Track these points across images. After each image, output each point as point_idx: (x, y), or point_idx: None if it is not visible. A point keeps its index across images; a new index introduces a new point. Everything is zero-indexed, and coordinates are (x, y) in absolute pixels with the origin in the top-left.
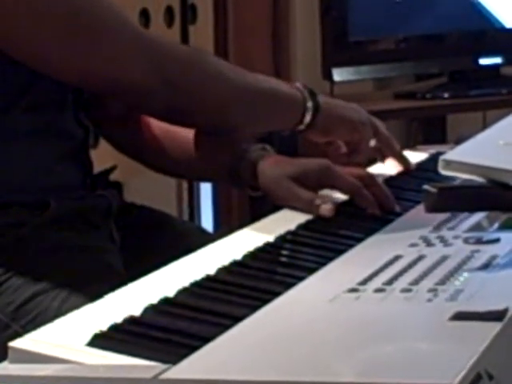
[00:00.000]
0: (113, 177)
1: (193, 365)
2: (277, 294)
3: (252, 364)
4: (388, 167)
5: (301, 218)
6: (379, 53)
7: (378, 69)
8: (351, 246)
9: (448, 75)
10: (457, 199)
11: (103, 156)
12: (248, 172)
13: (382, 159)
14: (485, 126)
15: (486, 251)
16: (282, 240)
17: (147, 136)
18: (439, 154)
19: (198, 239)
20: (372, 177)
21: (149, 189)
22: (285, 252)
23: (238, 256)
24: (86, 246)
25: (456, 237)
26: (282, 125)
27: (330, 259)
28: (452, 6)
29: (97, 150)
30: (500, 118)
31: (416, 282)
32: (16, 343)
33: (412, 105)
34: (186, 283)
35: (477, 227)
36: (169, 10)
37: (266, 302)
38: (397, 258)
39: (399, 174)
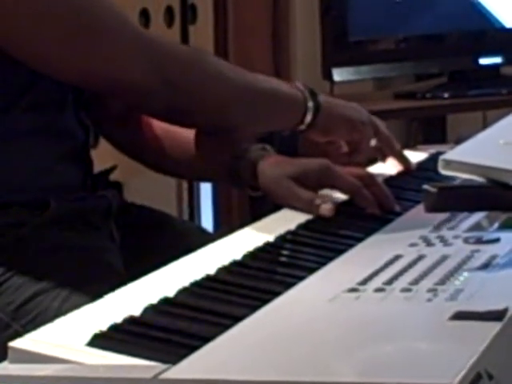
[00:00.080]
0: (113, 177)
1: (193, 365)
2: (277, 294)
3: (252, 364)
4: (388, 167)
5: (301, 217)
6: (379, 53)
7: (377, 69)
8: (351, 246)
9: (448, 75)
10: (457, 199)
11: (103, 156)
12: (248, 172)
13: (383, 159)
14: (485, 125)
15: (486, 251)
16: (281, 240)
17: (148, 136)
18: (439, 153)
19: (198, 239)
20: (372, 176)
21: (149, 189)
22: (285, 252)
23: (238, 256)
24: (86, 246)
25: (456, 236)
26: (282, 125)
27: (330, 259)
28: (452, 5)
29: (97, 150)
30: (500, 118)
31: (416, 281)
32: (16, 343)
33: (412, 105)
34: (185, 283)
35: (477, 227)
36: (169, 10)
37: (265, 301)
38: (397, 257)
39: (399, 174)
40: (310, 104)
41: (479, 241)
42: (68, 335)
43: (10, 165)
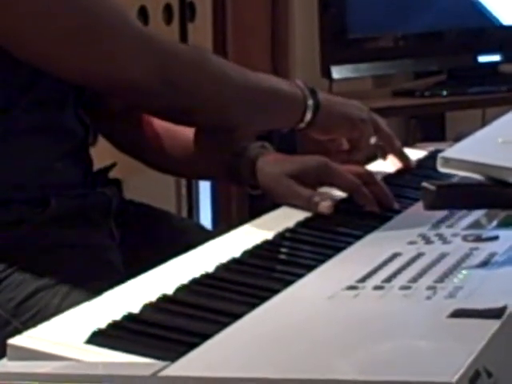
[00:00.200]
0: (112, 174)
1: (192, 362)
2: (275, 292)
3: (251, 361)
4: (387, 165)
5: (300, 215)
6: (378, 50)
7: (376, 66)
8: (350, 244)
9: (447, 73)
10: (455, 197)
11: (102, 154)
12: (247, 170)
13: (383, 156)
14: (484, 123)
15: (485, 249)
16: (280, 237)
17: (148, 135)
18: (438, 151)
19: (197, 236)
20: (371, 174)
21: (148, 186)
22: (283, 249)
23: (237, 253)
24: (86, 244)
25: (455, 234)
26: (282, 123)
27: (329, 257)
28: (451, 3)
29: (96, 148)
30: (499, 116)
31: (415, 279)
32: (15, 340)
33: (411, 102)
34: (184, 280)
35: (475, 225)
36: (167, 8)
37: (264, 299)
38: (395, 255)
39: (398, 172)
40: (310, 102)
41: (478, 239)
42: (67, 333)
43: (10, 163)
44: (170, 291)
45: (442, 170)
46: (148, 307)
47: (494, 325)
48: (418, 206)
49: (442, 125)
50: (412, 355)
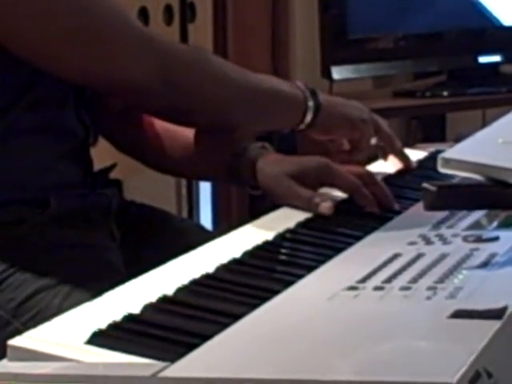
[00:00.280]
0: (112, 175)
1: (192, 363)
2: (276, 292)
3: (251, 362)
4: (388, 165)
5: (300, 216)
6: (378, 51)
7: (377, 67)
8: (350, 244)
9: (447, 73)
10: (456, 197)
11: (102, 154)
12: (247, 170)
13: (384, 157)
14: (484, 124)
15: (485, 249)
16: (281, 238)
17: (148, 135)
18: (438, 152)
19: (198, 237)
20: (371, 175)
21: (148, 187)
22: (284, 250)
23: (237, 254)
24: (87, 244)
25: (455, 235)
26: (283, 124)
27: (329, 257)
28: (451, 4)
29: (96, 149)
30: (499, 116)
31: (415, 280)
32: (15, 341)
33: (411, 103)
34: (185, 281)
35: (476, 225)
36: (168, 9)
37: (264, 300)
38: (396, 256)
39: (398, 172)
40: (311, 103)
41: (478, 239)
42: (67, 333)
43: (10, 163)
44: (170, 292)
45: (443, 170)
46: (148, 308)
47: (494, 325)
48: (419, 207)
49: (442, 125)
50: (412, 356)
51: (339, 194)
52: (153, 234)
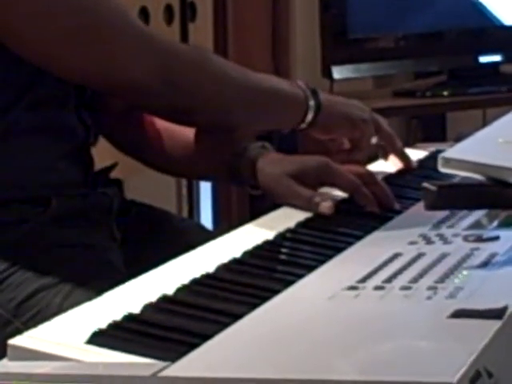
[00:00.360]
0: (112, 174)
1: (192, 362)
2: (276, 292)
3: (251, 362)
4: (388, 165)
5: (300, 215)
6: (379, 50)
7: (377, 66)
8: (350, 244)
9: (447, 73)
10: (456, 197)
11: (103, 154)
12: (248, 170)
13: (385, 156)
14: (484, 123)
15: (486, 249)
16: (281, 238)
17: (148, 135)
18: (439, 151)
19: (198, 237)
20: (371, 175)
21: (148, 186)
22: (284, 250)
23: (238, 254)
24: (87, 244)
25: (455, 235)
26: (283, 124)
27: (330, 257)
28: (451, 3)
29: (96, 148)
30: (500, 116)
31: (415, 279)
32: (15, 341)
33: (412, 103)
34: (185, 281)
35: (476, 225)
36: (168, 8)
37: (265, 299)
38: (396, 255)
39: (399, 172)
40: (311, 103)
41: (479, 239)
42: (67, 333)
43: (11, 163)
44: (170, 291)
45: (443, 170)
46: (148, 307)
47: (494, 325)
48: (419, 207)
49: (442, 125)
50: (412, 355)
51: (339, 194)
52: (153, 234)
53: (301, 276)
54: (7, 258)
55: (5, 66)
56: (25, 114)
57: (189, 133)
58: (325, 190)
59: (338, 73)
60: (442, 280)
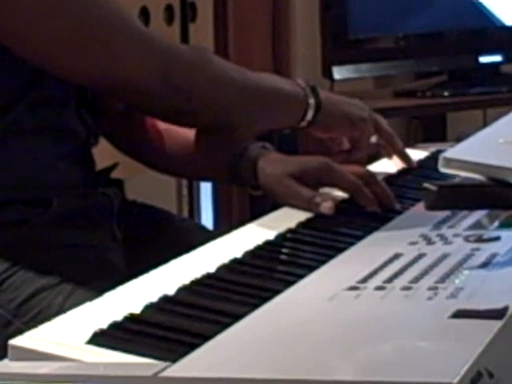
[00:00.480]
0: (113, 175)
1: (193, 363)
2: (277, 292)
3: (252, 362)
4: (389, 165)
5: (301, 215)
6: (379, 51)
7: (377, 67)
8: (351, 244)
9: (448, 73)
10: (457, 197)
11: (103, 154)
12: (248, 170)
13: (388, 155)
14: (485, 124)
15: (486, 249)
16: (282, 238)
17: (148, 135)
18: (439, 152)
19: (199, 237)
20: (372, 175)
21: (149, 187)
22: (285, 250)
23: (238, 254)
24: (88, 244)
25: (456, 235)
26: (283, 122)
27: (330, 257)
28: (452, 3)
29: (97, 148)
30: (500, 116)
31: (416, 280)
32: (16, 341)
33: (412, 103)
34: (186, 281)
35: (477, 225)
36: (168, 8)
37: (265, 299)
38: (397, 256)
39: (399, 172)
40: (311, 101)
41: (479, 239)
42: (68, 333)
43: (12, 163)
44: (171, 292)
45: (444, 170)
46: (149, 308)
47: (495, 325)
48: (420, 207)
49: (443, 125)
50: (413, 356)
51: (340, 194)
52: (154, 234)
53: (301, 276)
54: (8, 259)
55: (5, 66)
56: (25, 115)
57: (189, 133)
58: (325, 190)
59: (338, 73)
60: (442, 280)
